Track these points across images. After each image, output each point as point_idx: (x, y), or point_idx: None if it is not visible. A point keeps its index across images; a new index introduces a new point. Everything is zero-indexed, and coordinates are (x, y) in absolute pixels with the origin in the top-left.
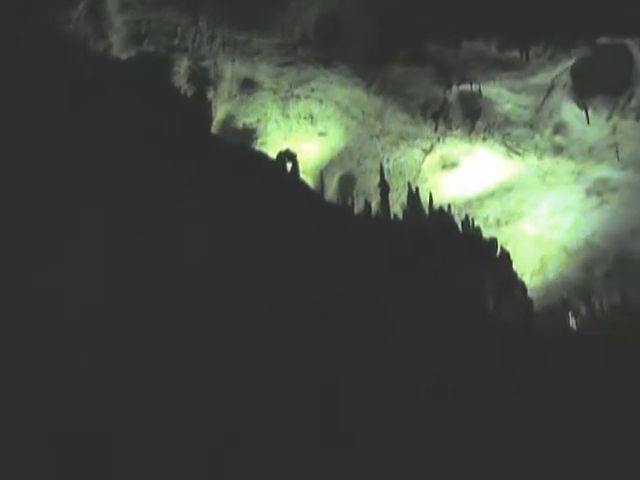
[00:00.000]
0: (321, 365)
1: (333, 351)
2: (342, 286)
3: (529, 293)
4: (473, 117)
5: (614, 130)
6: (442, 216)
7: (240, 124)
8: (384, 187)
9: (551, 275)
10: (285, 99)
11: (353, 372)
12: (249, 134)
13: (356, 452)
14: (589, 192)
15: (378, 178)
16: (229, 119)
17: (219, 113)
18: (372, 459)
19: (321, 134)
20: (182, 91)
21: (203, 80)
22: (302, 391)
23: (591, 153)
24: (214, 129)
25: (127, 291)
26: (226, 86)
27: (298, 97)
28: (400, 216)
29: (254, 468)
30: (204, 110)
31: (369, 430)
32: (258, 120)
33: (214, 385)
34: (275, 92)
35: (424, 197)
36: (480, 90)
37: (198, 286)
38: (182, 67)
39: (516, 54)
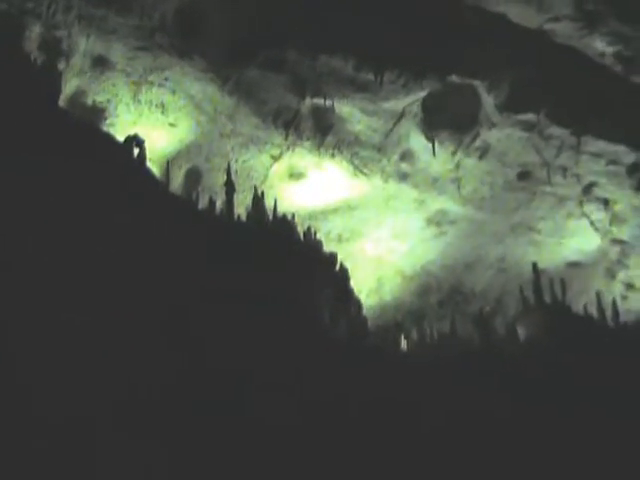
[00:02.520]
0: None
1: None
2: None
3: (364, 312)
4: (324, 132)
5: (458, 166)
6: (284, 224)
7: (89, 101)
8: (230, 187)
9: (387, 297)
10: (138, 84)
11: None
12: (98, 113)
13: None
14: (429, 221)
15: (225, 177)
16: (79, 94)
17: (68, 86)
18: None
19: (171, 125)
20: (32, 58)
21: (55, 50)
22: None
23: (434, 184)
24: (62, 102)
25: None
26: (78, 60)
27: (151, 84)
28: (243, 218)
29: None
30: (53, 81)
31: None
32: (108, 100)
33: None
34: (128, 75)
35: (269, 203)
36: (333, 106)
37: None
38: (34, 33)
39: (371, 77)
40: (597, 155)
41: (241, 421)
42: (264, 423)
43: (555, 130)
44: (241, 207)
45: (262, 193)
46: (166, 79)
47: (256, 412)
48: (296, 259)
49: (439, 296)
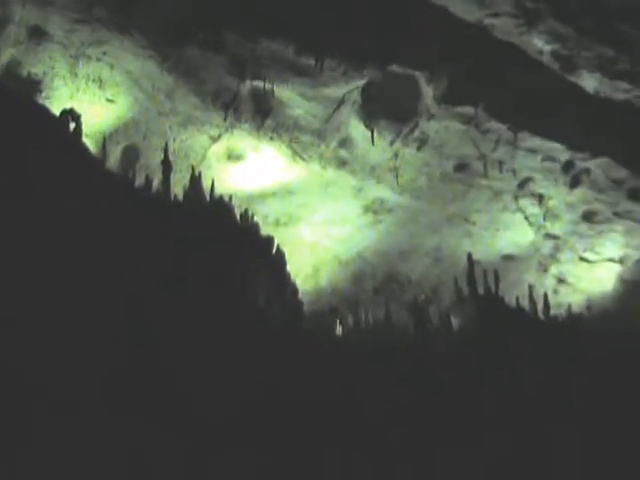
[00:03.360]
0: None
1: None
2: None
3: (300, 296)
4: (263, 115)
5: (396, 155)
6: (222, 206)
7: (25, 72)
8: (167, 166)
9: (323, 282)
10: (75, 57)
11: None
12: (34, 85)
13: None
14: (366, 209)
15: (162, 156)
16: (14, 65)
17: (3, 56)
18: None
19: (109, 100)
20: None
21: None
22: None
23: (372, 173)
24: None
25: None
26: (13, 30)
27: (89, 58)
28: (180, 198)
29: None
30: None
31: None
32: (44, 73)
33: None
34: (65, 47)
35: (206, 184)
36: (273, 90)
37: None
38: None
39: (311, 62)
40: (533, 151)
41: (176, 404)
42: (199, 410)
43: (493, 124)
44: (178, 187)
45: (199, 174)
46: (104, 54)
47: (192, 398)
48: (232, 242)
49: (374, 283)
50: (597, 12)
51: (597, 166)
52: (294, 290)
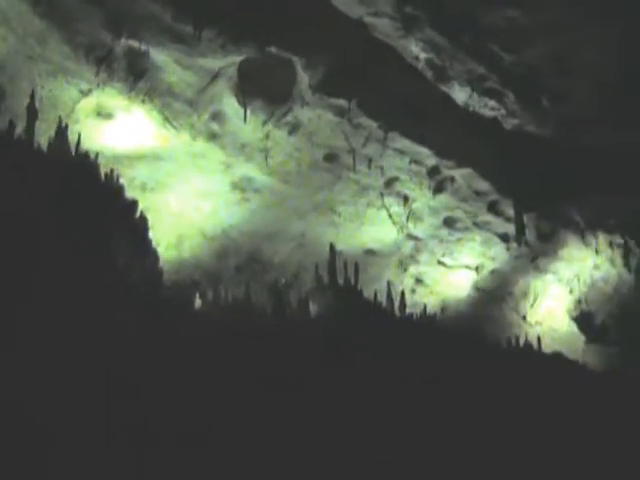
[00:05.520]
0: None
1: None
2: None
3: (161, 264)
4: (137, 76)
5: (267, 136)
6: (87, 162)
7: None
8: (32, 113)
9: (186, 254)
10: None
11: None
12: None
13: None
14: (234, 186)
15: (28, 102)
16: None
17: None
18: None
19: None
20: None
21: None
22: None
23: (242, 150)
24: None
25: None
26: None
27: None
28: (44, 148)
29: None
30: None
31: None
32: None
33: None
34: None
35: (73, 137)
36: (149, 52)
37: None
38: None
39: (189, 30)
40: (402, 152)
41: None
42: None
43: (364, 120)
44: (44, 137)
45: (66, 126)
46: None
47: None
48: (95, 200)
49: (238, 261)
50: (473, 29)
51: (461, 176)
52: (155, 258)
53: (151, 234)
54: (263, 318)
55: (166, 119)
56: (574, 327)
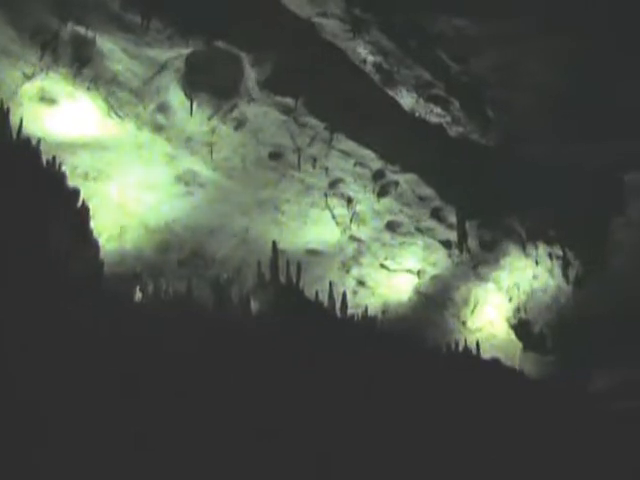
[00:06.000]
0: None
1: None
2: None
3: (102, 256)
4: (82, 63)
5: (213, 131)
6: (28, 148)
7: None
8: None
9: (128, 245)
10: None
11: None
12: None
13: None
14: (178, 179)
15: None
16: None
17: None
18: None
19: None
20: None
21: None
22: None
23: (188, 144)
24: None
25: None
26: None
27: None
28: None
29: None
30: None
31: None
32: None
33: None
34: None
35: (14, 121)
36: (95, 39)
37: None
38: None
39: (137, 20)
40: (347, 154)
41: None
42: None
43: (311, 120)
44: None
45: (8, 109)
46: None
47: None
48: (35, 187)
49: (180, 255)
50: (421, 36)
51: (405, 181)
52: (96, 248)
53: (92, 224)
54: (204, 313)
55: (111, 108)
56: (512, 334)
